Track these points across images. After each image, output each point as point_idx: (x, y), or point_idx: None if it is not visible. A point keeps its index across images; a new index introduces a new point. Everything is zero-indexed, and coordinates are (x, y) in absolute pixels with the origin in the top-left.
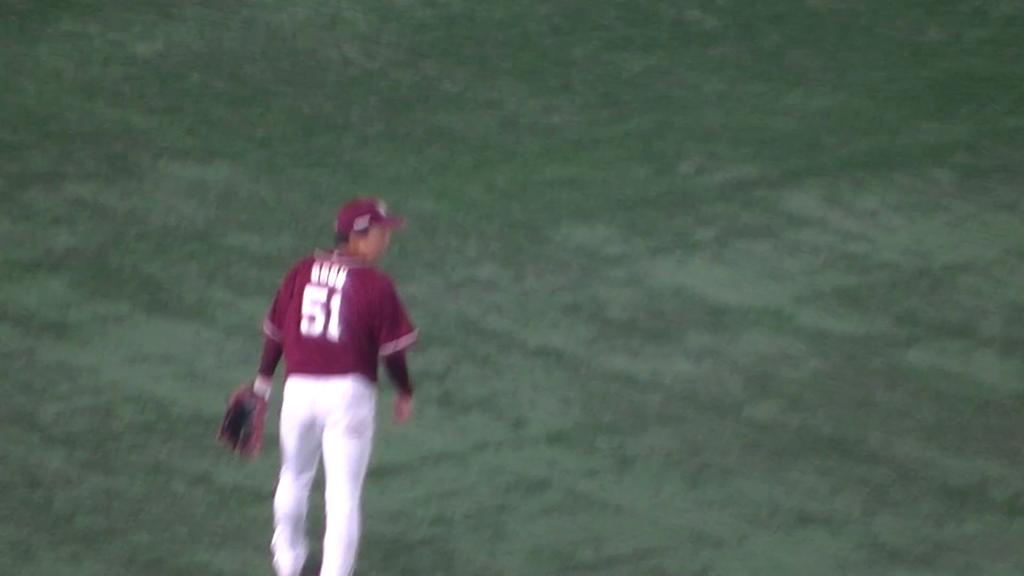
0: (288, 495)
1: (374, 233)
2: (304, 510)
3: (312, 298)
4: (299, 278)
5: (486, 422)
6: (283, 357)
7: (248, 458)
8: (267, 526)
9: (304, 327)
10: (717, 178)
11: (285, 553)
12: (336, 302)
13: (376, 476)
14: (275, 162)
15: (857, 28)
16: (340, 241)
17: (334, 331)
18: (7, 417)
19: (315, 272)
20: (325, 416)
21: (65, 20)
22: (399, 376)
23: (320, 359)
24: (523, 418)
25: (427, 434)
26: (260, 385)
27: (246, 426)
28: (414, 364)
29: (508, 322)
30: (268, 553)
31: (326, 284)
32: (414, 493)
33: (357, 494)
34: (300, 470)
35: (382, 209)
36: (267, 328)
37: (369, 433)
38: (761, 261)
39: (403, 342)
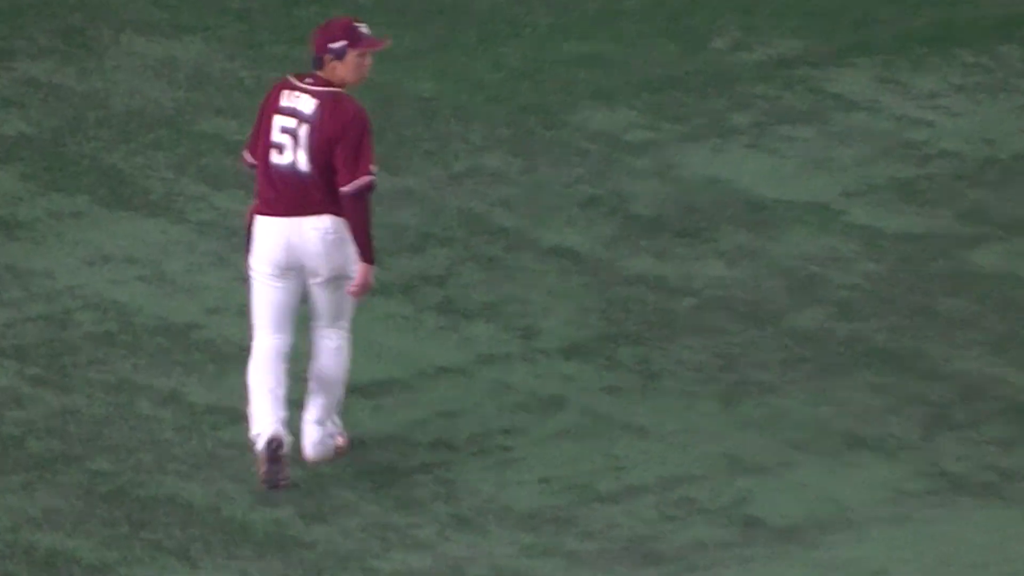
0: (264, 359)
1: (351, 57)
2: (283, 384)
3: (281, 126)
4: (269, 104)
5: (492, 332)
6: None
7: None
8: (244, 452)
9: (273, 158)
10: (756, 55)
11: (265, 418)
12: (304, 131)
13: (368, 394)
14: (254, 37)
15: None
16: (315, 66)
17: (303, 163)
18: None
19: (284, 97)
20: (303, 261)
21: None
22: (356, 227)
23: (291, 195)
24: (535, 328)
25: (425, 346)
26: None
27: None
28: (411, 264)
29: (518, 218)
30: (243, 480)
31: (294, 111)
32: (411, 414)
33: (345, 330)
34: (276, 329)
35: (362, 30)
36: (245, 158)
37: (352, 272)
38: (806, 149)
39: (358, 184)
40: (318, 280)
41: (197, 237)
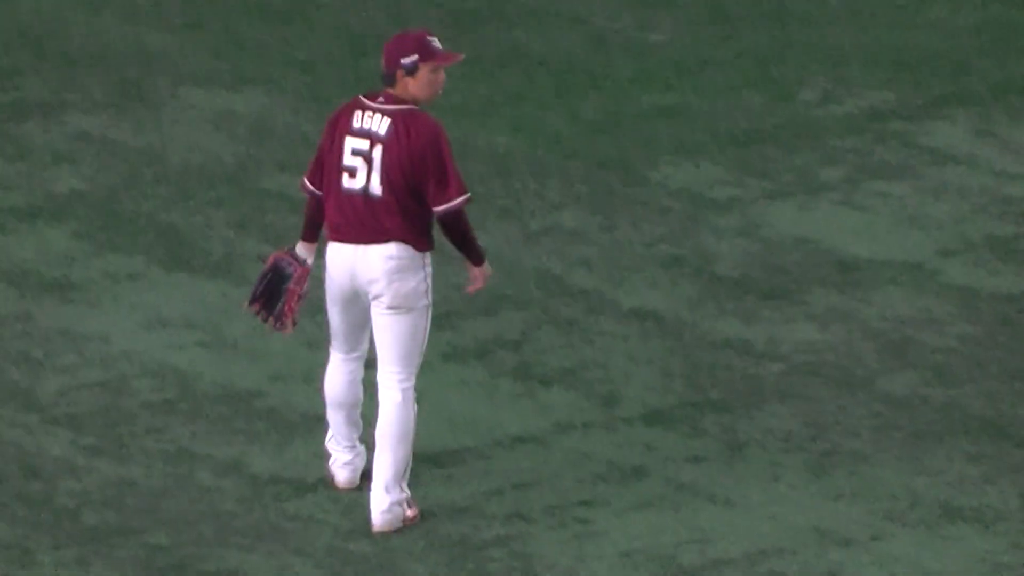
0: (337, 376)
1: (424, 72)
2: (358, 396)
3: (353, 148)
4: (340, 125)
5: (571, 399)
6: (325, 219)
7: (282, 331)
8: (308, 524)
9: (344, 182)
10: (847, 107)
11: (341, 455)
12: (378, 152)
13: (440, 464)
14: (318, 89)
15: None
16: (386, 83)
17: (376, 186)
18: (1, 394)
19: (356, 118)
20: (367, 287)
21: None
22: (459, 241)
23: (360, 220)
24: (615, 394)
25: (501, 414)
26: (301, 250)
27: (283, 293)
28: (485, 327)
29: (597, 279)
30: (308, 553)
31: (367, 132)
32: (485, 484)
33: (411, 380)
34: (348, 348)
35: (434, 43)
36: (307, 185)
37: (421, 308)
38: (899, 206)
39: (453, 205)
40: (382, 306)
41: None
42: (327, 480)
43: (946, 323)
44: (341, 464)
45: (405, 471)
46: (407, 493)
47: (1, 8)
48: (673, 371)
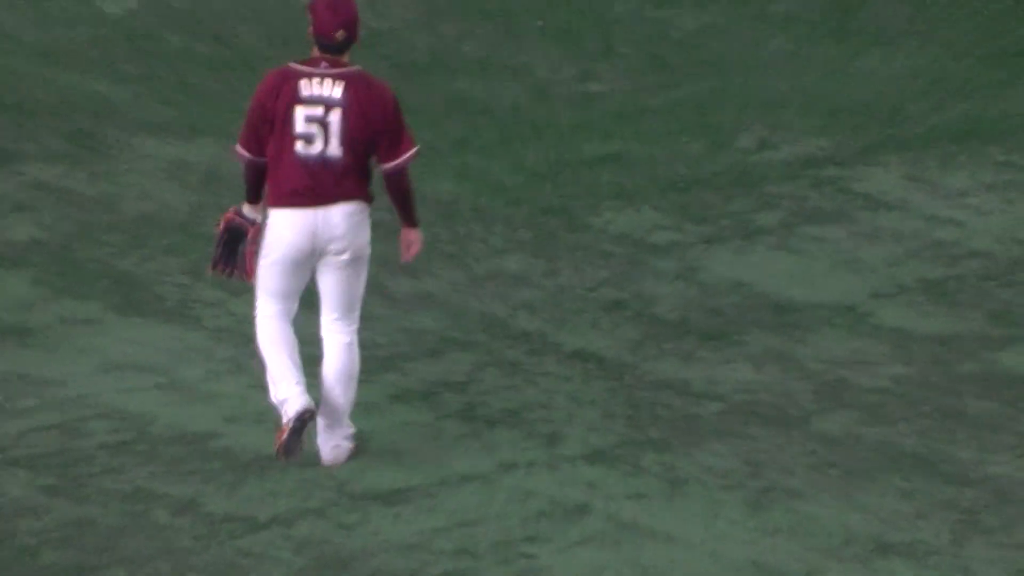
0: (274, 323)
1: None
2: (296, 349)
3: (306, 116)
4: (283, 96)
5: (515, 439)
6: (268, 186)
7: (247, 280)
8: (262, 560)
9: (300, 149)
10: (782, 154)
11: (292, 390)
12: (335, 117)
13: (389, 502)
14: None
15: None
16: (329, 49)
17: (335, 150)
18: None
19: (304, 87)
20: (325, 245)
21: None
22: (404, 198)
23: (320, 184)
24: (558, 434)
25: (447, 453)
26: (249, 211)
27: (242, 248)
28: (431, 370)
29: (540, 322)
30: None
31: (321, 98)
32: (433, 522)
33: (356, 324)
34: (289, 305)
35: None
36: (243, 153)
37: (368, 257)
38: (834, 250)
39: (406, 157)
40: (342, 259)
41: (213, 344)
42: (279, 518)
43: (879, 364)
44: (297, 395)
45: (350, 407)
46: (353, 428)
47: None
48: (614, 411)
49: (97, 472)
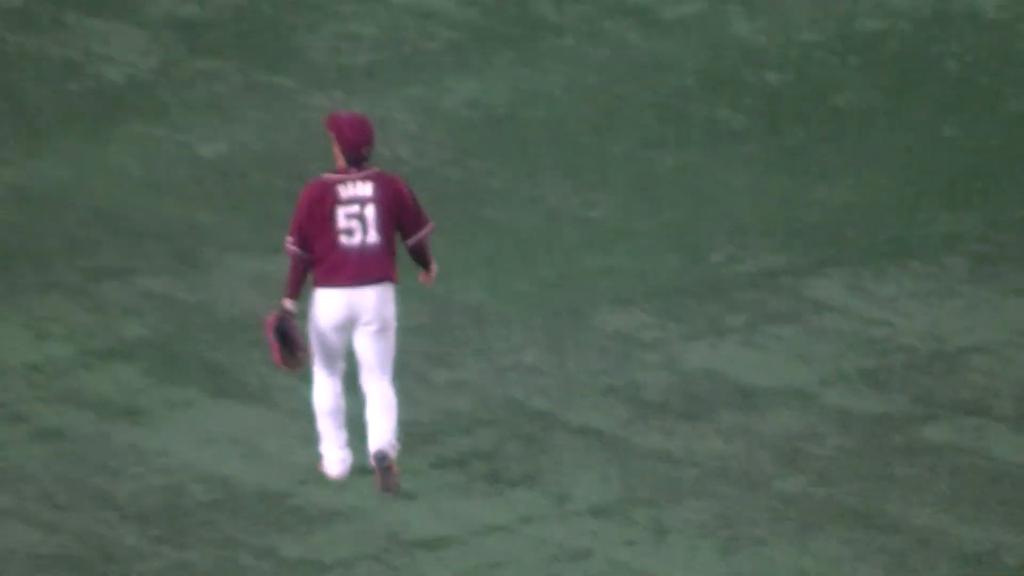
0: (328, 391)
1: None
2: (343, 403)
3: (346, 214)
4: (326, 201)
5: (532, 497)
6: (314, 273)
7: (304, 366)
8: None
9: (343, 241)
10: (746, 267)
11: (334, 453)
12: (370, 211)
13: (431, 548)
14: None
15: (877, 126)
16: (356, 160)
17: (372, 237)
18: (85, 496)
19: (342, 191)
20: (358, 317)
21: (133, 123)
22: (424, 257)
23: (358, 268)
24: (566, 493)
25: (477, 508)
26: (291, 305)
27: (292, 343)
28: (463, 442)
29: (551, 403)
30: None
31: (356, 198)
32: (467, 563)
33: (389, 376)
34: (336, 368)
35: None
36: (293, 250)
37: (394, 326)
38: (788, 345)
39: (426, 231)
40: (371, 329)
41: (288, 421)
42: (342, 561)
43: (826, 436)
44: (338, 460)
45: (396, 431)
46: (399, 445)
47: (82, 192)
48: (611, 475)
49: (195, 525)
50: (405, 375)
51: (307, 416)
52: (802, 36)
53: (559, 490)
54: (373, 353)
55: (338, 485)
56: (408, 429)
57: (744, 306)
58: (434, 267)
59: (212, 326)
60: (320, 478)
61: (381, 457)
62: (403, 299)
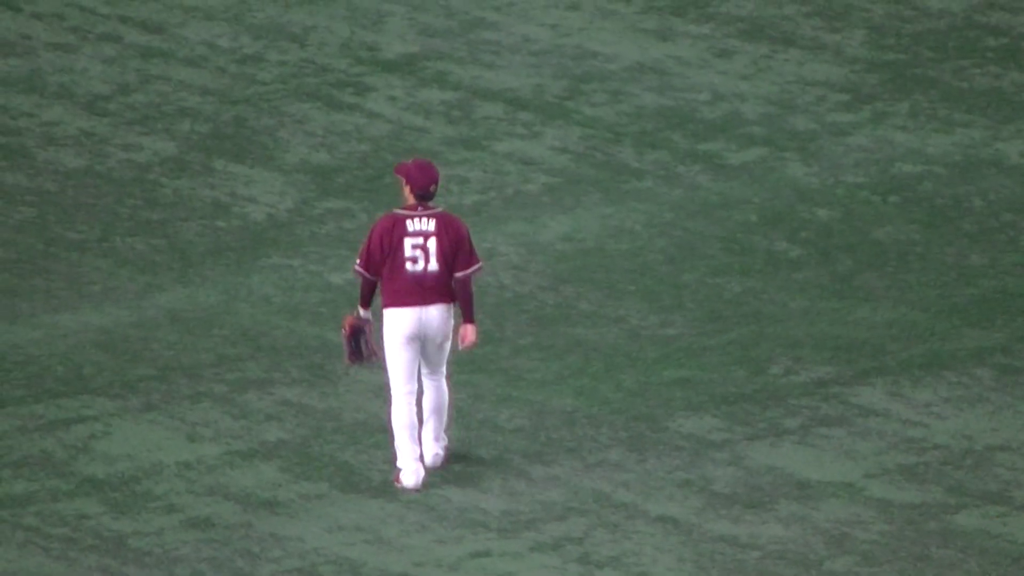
0: (404, 408)
1: None
2: (416, 419)
3: (412, 244)
4: (396, 232)
5: None
6: (383, 294)
7: (377, 359)
8: None
9: (408, 267)
10: (801, 377)
11: (410, 465)
12: (432, 244)
13: None
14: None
15: (914, 255)
16: (425, 197)
17: (433, 266)
18: None
19: (410, 225)
20: (427, 332)
21: (272, 255)
22: (467, 298)
23: (423, 291)
24: (647, 573)
25: None
26: (365, 313)
27: (366, 343)
28: (557, 529)
29: (634, 495)
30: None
31: (421, 231)
32: None
33: (443, 374)
34: (409, 383)
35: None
36: (364, 272)
37: (451, 338)
38: (838, 444)
39: (474, 269)
40: (436, 343)
41: (406, 511)
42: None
43: (870, 523)
44: (412, 472)
45: (445, 427)
46: (446, 442)
47: (229, 315)
48: (685, 556)
49: None
50: (507, 470)
51: (421, 507)
52: (848, 178)
53: (640, 571)
54: (435, 358)
55: (449, 567)
56: (509, 517)
57: (799, 411)
58: (474, 327)
59: (340, 429)
60: (435, 559)
61: (433, 458)
62: (505, 405)
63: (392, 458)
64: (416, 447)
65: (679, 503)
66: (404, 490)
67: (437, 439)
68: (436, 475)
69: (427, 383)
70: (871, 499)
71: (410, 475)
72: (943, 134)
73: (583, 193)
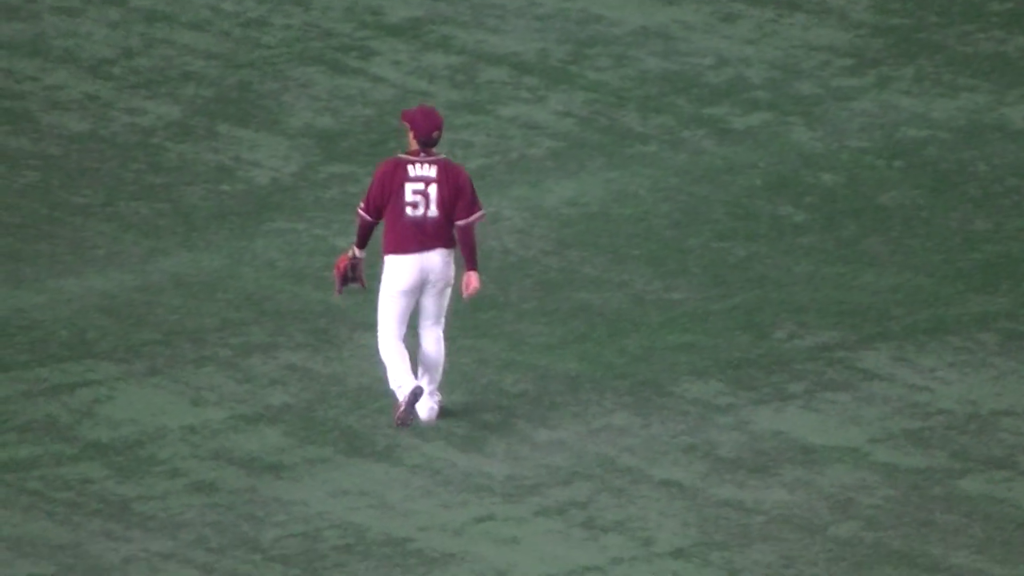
0: (394, 343)
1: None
2: (406, 351)
3: (413, 189)
4: (397, 177)
5: (621, 541)
6: (384, 240)
7: (362, 286)
8: None
9: (408, 212)
10: (806, 342)
11: (404, 376)
12: (433, 189)
13: None
14: (449, 334)
15: (918, 220)
16: (428, 144)
17: (433, 212)
18: (234, 541)
19: (411, 170)
20: (428, 277)
21: (277, 220)
22: (470, 247)
23: (423, 236)
24: (651, 537)
25: (573, 552)
26: (360, 253)
27: (355, 277)
28: (561, 493)
29: (638, 460)
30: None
31: (422, 177)
32: None
33: (442, 325)
34: (400, 328)
35: None
36: (364, 215)
37: (452, 286)
38: (843, 409)
39: (476, 216)
40: (436, 289)
41: (411, 475)
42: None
43: (875, 488)
44: (410, 382)
45: (440, 381)
46: (440, 396)
47: (233, 280)
48: (690, 521)
49: (329, 566)
50: (511, 435)
51: (427, 471)
52: (853, 143)
53: (645, 535)
54: (433, 306)
55: (453, 531)
56: (514, 482)
57: (804, 376)
58: (477, 274)
59: (345, 394)
60: (439, 524)
61: (417, 392)
62: (509, 370)
63: (388, 384)
64: (408, 369)
65: (683, 468)
66: (403, 425)
67: (432, 393)
68: (440, 439)
69: (425, 335)
70: (876, 464)
71: (408, 384)
72: (948, 99)
73: (587, 157)
